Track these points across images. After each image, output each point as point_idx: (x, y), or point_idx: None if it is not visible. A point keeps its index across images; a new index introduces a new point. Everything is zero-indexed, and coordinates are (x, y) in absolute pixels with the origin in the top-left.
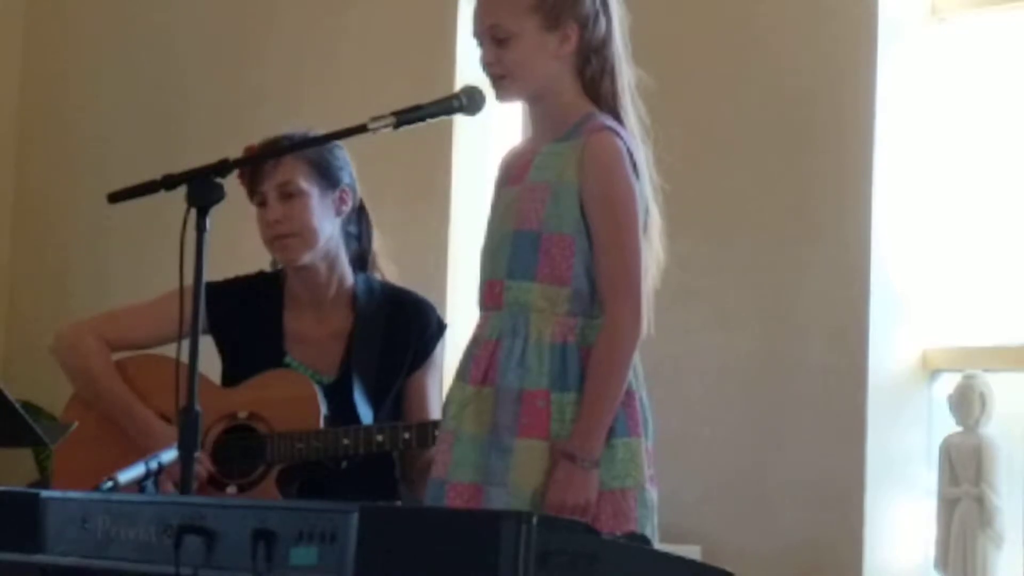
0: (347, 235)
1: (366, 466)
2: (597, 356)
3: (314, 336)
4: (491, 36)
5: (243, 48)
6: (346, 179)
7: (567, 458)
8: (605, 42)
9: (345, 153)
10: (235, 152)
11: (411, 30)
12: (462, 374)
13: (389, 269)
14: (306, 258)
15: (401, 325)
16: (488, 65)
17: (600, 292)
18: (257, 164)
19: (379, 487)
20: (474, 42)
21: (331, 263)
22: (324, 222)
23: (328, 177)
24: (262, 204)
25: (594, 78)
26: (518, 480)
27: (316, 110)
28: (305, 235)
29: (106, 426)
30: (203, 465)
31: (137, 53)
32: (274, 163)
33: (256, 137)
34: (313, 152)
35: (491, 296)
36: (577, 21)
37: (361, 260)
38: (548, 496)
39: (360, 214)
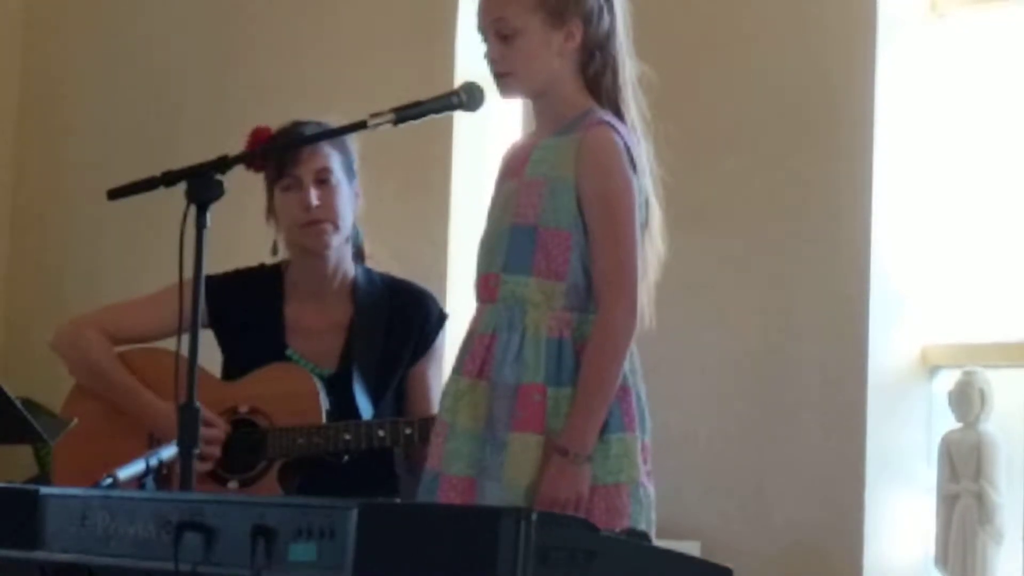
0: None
1: (368, 461)
2: (591, 351)
3: (315, 328)
4: (495, 31)
5: (241, 44)
6: (357, 173)
7: (559, 452)
8: (608, 37)
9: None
10: (233, 149)
11: (410, 26)
12: (458, 367)
13: (380, 256)
14: (335, 245)
15: (402, 316)
16: (493, 61)
17: (595, 287)
18: (259, 158)
19: (380, 482)
20: (475, 38)
21: (340, 255)
22: (349, 212)
23: (352, 170)
24: (289, 188)
25: (596, 73)
26: (512, 474)
27: (316, 106)
28: (338, 223)
29: (106, 422)
30: (221, 428)
31: (134, 51)
32: (310, 149)
33: None
34: (341, 144)
35: (486, 289)
36: (581, 17)
37: (359, 253)
38: (540, 491)
39: None
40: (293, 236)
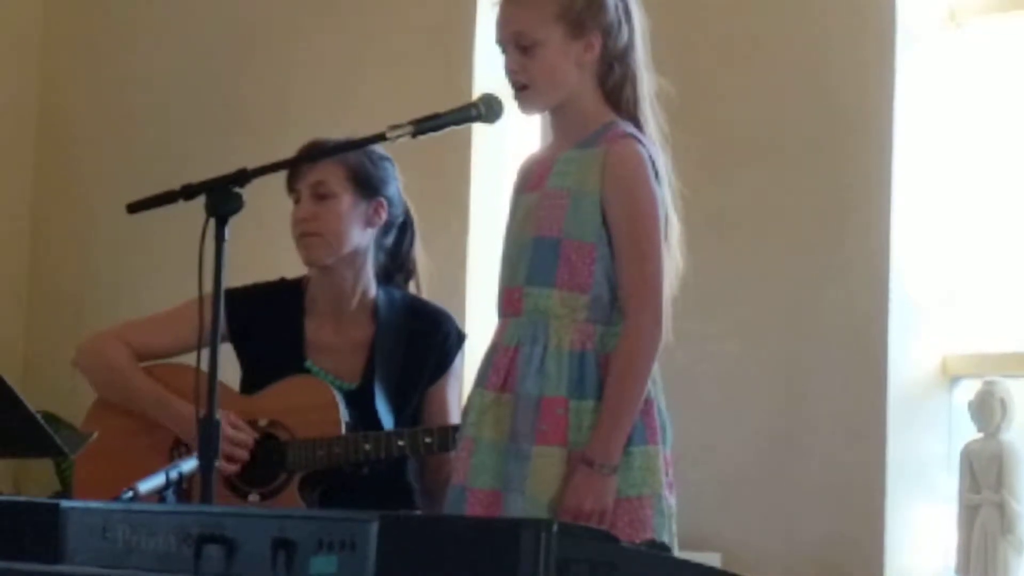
0: (378, 247)
1: (388, 472)
2: (617, 363)
3: (335, 345)
4: (515, 43)
5: (260, 58)
6: (385, 192)
7: (585, 463)
8: (627, 50)
9: (392, 167)
10: (252, 163)
11: (430, 39)
12: (481, 380)
13: (424, 286)
14: (328, 260)
15: (421, 336)
16: (512, 72)
17: (621, 299)
18: (274, 172)
19: (397, 492)
20: (493, 51)
21: (357, 272)
22: (353, 229)
23: (365, 186)
24: (297, 201)
25: (615, 86)
26: (536, 487)
27: (335, 119)
28: (329, 238)
29: (126, 437)
30: (249, 434)
31: (155, 62)
32: (311, 163)
33: (273, 148)
34: (354, 158)
35: (509, 303)
36: (600, 29)
37: (385, 273)
38: (565, 501)
39: (404, 227)
40: (297, 248)
